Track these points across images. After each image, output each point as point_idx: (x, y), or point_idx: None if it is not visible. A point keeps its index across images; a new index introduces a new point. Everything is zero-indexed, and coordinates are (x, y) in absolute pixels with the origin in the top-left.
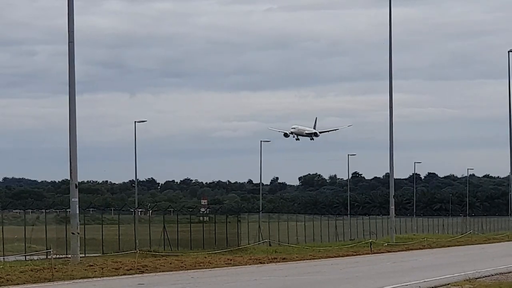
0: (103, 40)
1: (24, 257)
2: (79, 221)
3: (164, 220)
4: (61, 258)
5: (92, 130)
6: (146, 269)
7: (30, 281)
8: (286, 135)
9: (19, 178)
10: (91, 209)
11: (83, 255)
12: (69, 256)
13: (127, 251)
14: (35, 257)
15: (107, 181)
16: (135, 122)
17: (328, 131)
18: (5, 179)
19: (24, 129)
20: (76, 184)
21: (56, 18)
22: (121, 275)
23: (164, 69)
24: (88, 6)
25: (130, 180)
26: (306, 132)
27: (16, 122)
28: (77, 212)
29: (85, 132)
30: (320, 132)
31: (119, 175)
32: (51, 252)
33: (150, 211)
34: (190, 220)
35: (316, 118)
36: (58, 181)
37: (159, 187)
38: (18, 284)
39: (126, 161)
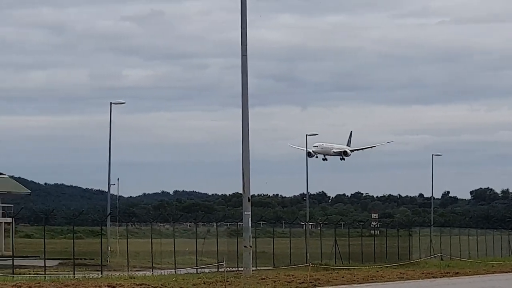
0: (274, 53)
1: (195, 270)
2: (251, 234)
3: (335, 234)
4: (233, 271)
5: (263, 144)
6: (319, 283)
7: None
8: (310, 154)
9: (190, 191)
10: (261, 223)
11: (255, 268)
12: (241, 269)
13: (298, 264)
14: (206, 270)
15: (278, 194)
16: (306, 135)
17: (362, 148)
18: (175, 192)
19: (195, 142)
20: (248, 198)
21: (228, 32)
22: None
23: (336, 82)
24: (260, 19)
25: (301, 194)
26: (334, 151)
27: (187, 135)
28: (250, 225)
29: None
30: (352, 150)
31: (290, 189)
32: (224, 265)
33: (321, 225)
34: (361, 233)
35: (351, 132)
36: (229, 194)
37: (329, 201)
38: None
39: (297, 174)
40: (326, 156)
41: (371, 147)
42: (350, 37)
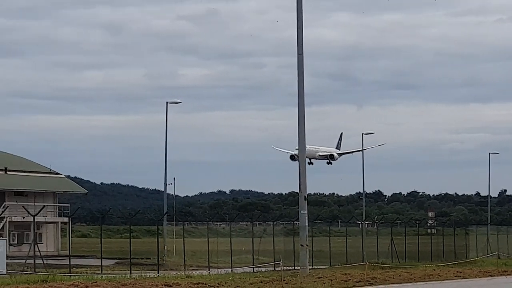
0: (330, 52)
1: (252, 269)
2: (307, 233)
3: (391, 232)
4: (289, 270)
5: (319, 142)
6: (375, 281)
7: None
8: (293, 158)
9: (246, 190)
10: (318, 222)
11: (311, 267)
12: (297, 268)
13: (355, 263)
14: (263, 269)
15: (334, 193)
16: (362, 134)
17: (351, 152)
18: (232, 191)
19: (251, 141)
20: (305, 196)
21: (284, 31)
22: (350, 287)
23: (392, 81)
24: (316, 18)
25: (357, 193)
26: (320, 154)
27: (244, 134)
28: (306, 224)
29: (314, 144)
30: (340, 154)
31: (346, 188)
32: (280, 264)
33: (377, 224)
34: (418, 232)
35: (342, 134)
36: (285, 193)
37: (385, 200)
38: None
39: (353, 173)
40: (312, 160)
41: (361, 150)
42: (407, 35)
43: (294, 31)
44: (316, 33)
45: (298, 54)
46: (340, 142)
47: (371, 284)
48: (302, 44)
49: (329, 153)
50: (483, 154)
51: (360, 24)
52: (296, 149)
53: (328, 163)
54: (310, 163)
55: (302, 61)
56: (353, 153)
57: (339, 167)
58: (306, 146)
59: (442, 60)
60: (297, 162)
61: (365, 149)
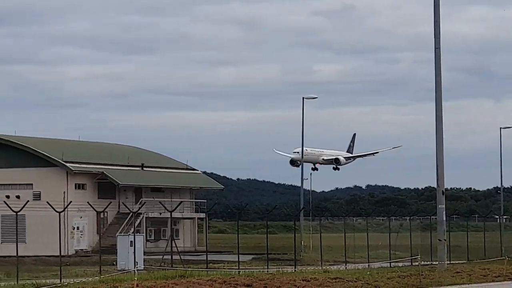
0: (466, 46)
1: (389, 263)
2: (445, 227)
3: None
4: (427, 265)
5: (456, 137)
6: None
7: (397, 287)
8: (292, 162)
9: (382, 185)
10: (454, 216)
11: (449, 262)
12: (435, 263)
13: (493, 258)
14: (400, 264)
15: (470, 188)
16: (500, 128)
17: (362, 155)
18: (368, 186)
19: (388, 136)
20: (443, 191)
21: (418, 25)
22: (489, 282)
23: None
24: (452, 12)
25: (494, 187)
26: (324, 158)
27: (380, 130)
28: (444, 219)
29: (450, 139)
30: (349, 158)
31: (483, 182)
32: (418, 258)
33: None
34: None
35: (354, 135)
36: (421, 188)
37: None
38: None
39: (491, 168)
40: (316, 165)
41: (373, 153)
42: None
43: (428, 26)
44: (452, 27)
45: (435, 48)
46: (353, 144)
47: (511, 279)
48: (439, 38)
49: (334, 157)
50: None
51: (497, 17)
52: (294, 152)
53: (334, 168)
54: (314, 168)
55: (439, 55)
56: (364, 156)
57: (475, 162)
58: (307, 149)
59: None
60: (302, 166)
61: (377, 152)
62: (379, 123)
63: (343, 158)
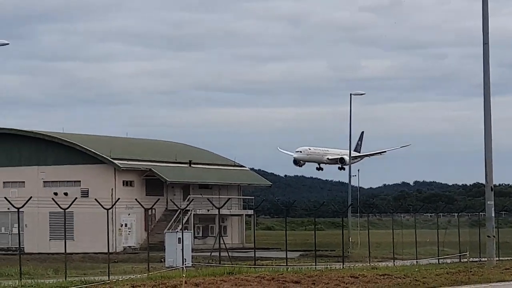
0: None
1: (437, 260)
2: (494, 224)
3: None
4: (475, 261)
5: (505, 133)
6: None
7: (446, 283)
8: (296, 162)
9: (430, 182)
10: (503, 213)
11: (497, 259)
12: (483, 259)
13: None
14: (448, 260)
15: None
16: None
17: (369, 154)
18: (415, 182)
19: (436, 132)
20: (491, 187)
21: (465, 21)
22: None
23: None
24: (500, 7)
25: None
26: (329, 157)
27: (428, 126)
28: (493, 215)
29: (497, 134)
30: (355, 157)
31: None
32: (467, 255)
33: None
34: None
35: (362, 133)
36: (470, 184)
37: None
38: (435, 286)
39: None
40: (321, 165)
41: (381, 152)
42: None
43: (475, 21)
44: (500, 22)
45: (483, 43)
46: (361, 142)
47: None
48: (488, 33)
49: (339, 157)
50: None
51: None
52: (296, 152)
53: (340, 168)
54: (319, 168)
55: (487, 50)
56: (371, 156)
57: None
58: (311, 148)
59: None
60: (305, 166)
61: (384, 152)
62: (427, 119)
63: (347, 158)
